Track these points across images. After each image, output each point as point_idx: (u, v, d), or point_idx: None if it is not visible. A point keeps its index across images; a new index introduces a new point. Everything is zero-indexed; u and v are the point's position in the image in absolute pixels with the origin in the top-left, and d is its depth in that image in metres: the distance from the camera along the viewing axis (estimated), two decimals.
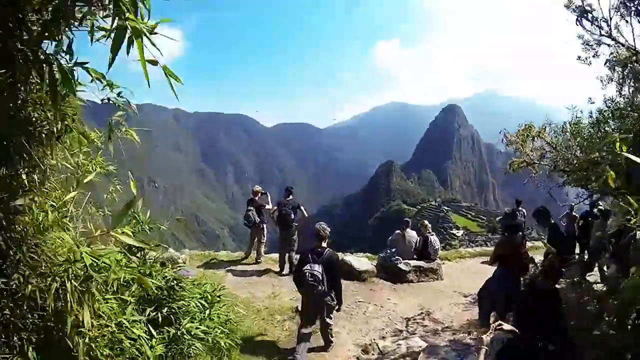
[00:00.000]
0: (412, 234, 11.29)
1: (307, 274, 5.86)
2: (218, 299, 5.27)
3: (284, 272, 10.50)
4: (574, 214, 12.62)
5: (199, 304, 4.68)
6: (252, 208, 10.98)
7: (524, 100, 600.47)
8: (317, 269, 5.86)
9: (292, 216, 10.25)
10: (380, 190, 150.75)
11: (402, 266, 10.75)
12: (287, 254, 10.45)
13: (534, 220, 9.70)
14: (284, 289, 9.47)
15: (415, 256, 11.24)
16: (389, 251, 11.34)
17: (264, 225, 11.31)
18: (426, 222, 11.70)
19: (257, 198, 11.24)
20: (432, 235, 11.40)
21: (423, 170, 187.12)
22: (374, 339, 7.36)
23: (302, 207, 10.60)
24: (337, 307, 6.46)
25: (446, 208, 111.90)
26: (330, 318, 6.54)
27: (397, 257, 10.91)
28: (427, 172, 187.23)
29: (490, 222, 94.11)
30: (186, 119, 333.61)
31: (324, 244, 6.23)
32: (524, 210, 13.39)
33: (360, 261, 10.93)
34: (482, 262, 12.96)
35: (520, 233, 6.41)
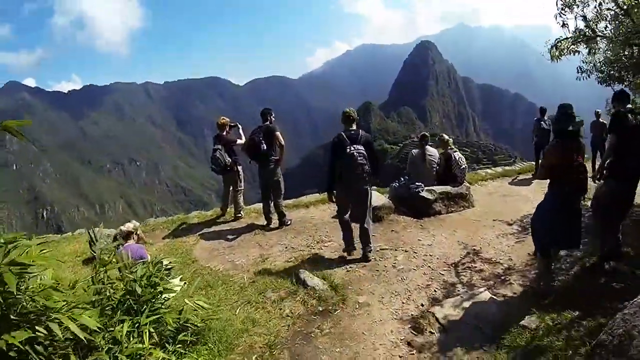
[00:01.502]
0: (433, 152, 8.88)
1: (354, 152, 5.57)
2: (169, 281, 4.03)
3: (271, 225, 8.06)
4: (601, 120, 11.43)
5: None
6: (219, 147, 8.30)
7: (494, 30, 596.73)
8: (361, 148, 5.63)
9: (267, 148, 7.51)
10: None
11: (426, 194, 8.25)
12: (272, 202, 8.02)
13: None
14: (275, 249, 6.99)
15: (436, 181, 8.92)
16: (403, 179, 8.90)
17: (239, 168, 8.66)
18: (446, 136, 9.08)
19: (224, 133, 8.59)
20: (455, 152, 8.90)
21: (401, 108, 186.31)
22: (423, 305, 4.91)
23: (278, 134, 7.61)
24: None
25: (430, 143, 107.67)
26: (369, 222, 6.22)
27: (417, 183, 8.33)
28: (405, 110, 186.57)
29: (473, 153, 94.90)
30: (157, 91, 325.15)
31: (354, 126, 5.87)
32: (549, 120, 11.76)
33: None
34: (511, 183, 11.45)
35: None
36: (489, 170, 12.84)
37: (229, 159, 8.20)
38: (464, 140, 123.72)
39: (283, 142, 7.64)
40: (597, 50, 8.36)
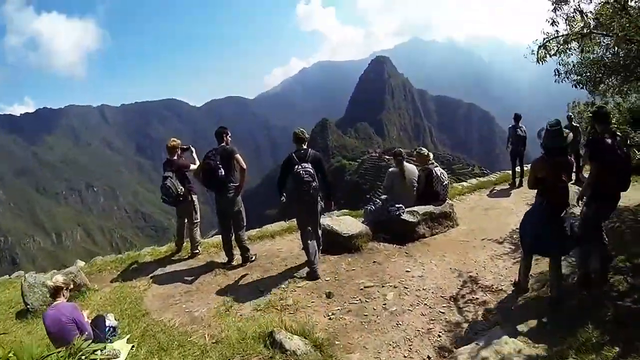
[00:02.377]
0: (412, 169, 7.96)
1: (301, 171, 5.76)
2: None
3: (234, 263, 6.99)
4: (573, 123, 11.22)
5: None
6: (170, 173, 7.16)
7: (446, 43, 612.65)
8: (308, 166, 5.82)
9: (225, 174, 6.45)
10: (318, 150, 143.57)
11: (407, 217, 7.34)
12: (232, 234, 6.93)
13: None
14: (240, 293, 5.90)
15: (416, 200, 8.04)
16: (378, 200, 8.03)
17: (194, 197, 7.59)
18: (425, 150, 8.21)
19: (175, 157, 7.46)
20: (436, 167, 8.03)
21: (358, 124, 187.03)
22: (430, 358, 4.12)
23: (238, 156, 6.58)
24: (332, 204, 6.48)
25: (387, 157, 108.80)
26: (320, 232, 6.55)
27: (396, 205, 7.43)
28: (362, 125, 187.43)
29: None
30: (114, 114, 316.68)
31: (305, 146, 6.12)
32: (524, 127, 11.53)
33: (344, 222, 7.38)
34: (490, 195, 10.89)
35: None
36: (464, 183, 12.16)
37: (181, 187, 7.09)
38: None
39: (244, 166, 6.55)
40: (590, 49, 7.77)
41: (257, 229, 8.75)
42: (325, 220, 7.21)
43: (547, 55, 8.13)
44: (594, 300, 4.58)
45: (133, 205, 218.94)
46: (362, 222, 7.62)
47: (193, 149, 7.70)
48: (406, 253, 6.76)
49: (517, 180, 11.48)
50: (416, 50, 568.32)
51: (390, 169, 8.04)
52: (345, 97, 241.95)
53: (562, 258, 5.01)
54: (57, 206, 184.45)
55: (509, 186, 11.54)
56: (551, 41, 7.86)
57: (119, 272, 7.33)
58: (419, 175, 7.89)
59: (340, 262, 6.49)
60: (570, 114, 11.77)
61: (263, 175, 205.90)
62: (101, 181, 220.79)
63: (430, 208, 7.61)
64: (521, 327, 4.35)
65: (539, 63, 8.28)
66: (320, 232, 6.52)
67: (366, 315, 4.89)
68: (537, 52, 8.03)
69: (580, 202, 5.27)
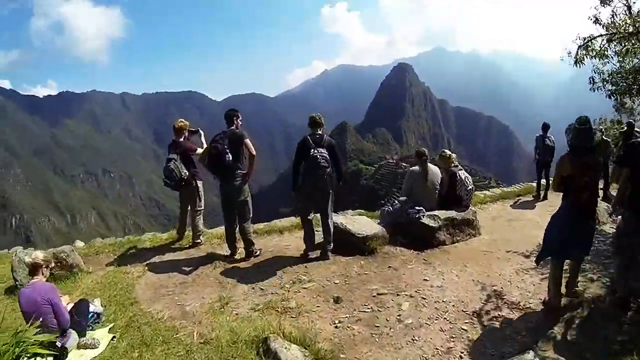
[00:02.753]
0: (435, 170, 7.32)
1: (317, 155, 5.73)
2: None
3: (236, 256, 6.46)
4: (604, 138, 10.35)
5: None
6: (174, 155, 6.67)
7: (469, 55, 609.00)
8: (324, 151, 5.80)
9: (232, 159, 5.90)
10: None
11: (428, 221, 6.75)
12: (237, 226, 6.36)
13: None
14: (238, 290, 5.39)
15: (437, 204, 7.41)
16: (396, 202, 7.43)
17: (198, 183, 7.06)
18: (448, 152, 7.59)
19: (182, 139, 6.98)
20: (460, 170, 7.42)
21: (377, 129, 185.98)
22: None
23: (247, 141, 6.05)
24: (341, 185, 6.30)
25: (404, 164, 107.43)
26: (332, 220, 6.35)
27: (416, 207, 6.85)
28: (381, 131, 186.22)
29: None
30: (135, 103, 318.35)
31: (320, 131, 6.02)
32: (552, 137, 10.81)
33: (358, 221, 6.83)
34: (513, 206, 10.26)
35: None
36: (487, 192, 11.47)
37: (185, 171, 6.60)
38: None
39: (254, 152, 6.02)
40: (636, 51, 7.15)
41: (265, 223, 8.20)
42: (339, 219, 6.68)
43: (586, 57, 7.54)
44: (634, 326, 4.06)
45: (148, 193, 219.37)
46: (378, 224, 7.06)
47: (202, 132, 7.21)
48: (424, 260, 6.17)
49: (542, 193, 10.86)
50: (439, 59, 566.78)
51: (411, 169, 7.40)
52: (366, 102, 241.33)
53: (596, 277, 4.98)
54: (73, 188, 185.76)
55: (533, 198, 10.91)
56: (593, 41, 7.23)
57: (115, 256, 6.89)
58: (442, 178, 7.29)
59: (352, 264, 5.93)
60: (602, 127, 11.23)
61: (278, 173, 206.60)
62: (118, 167, 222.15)
63: (452, 213, 7.01)
64: (553, 353, 3.74)
65: (576, 65, 7.75)
66: (331, 222, 6.33)
67: (378, 326, 4.32)
68: (577, 52, 7.43)
69: (613, 215, 5.15)
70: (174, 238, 7.52)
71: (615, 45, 7.32)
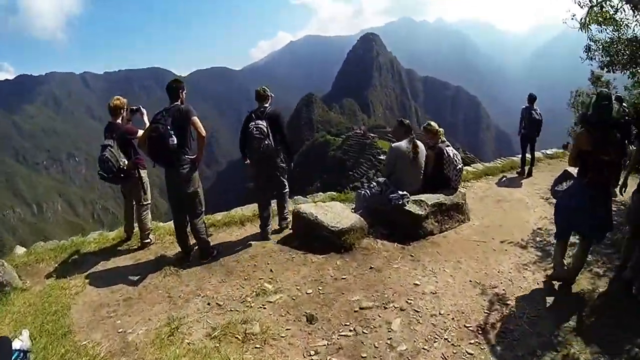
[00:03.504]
0: (423, 148, 6.27)
1: (252, 128, 5.48)
2: None
3: (189, 260, 5.43)
4: None
5: None
6: (110, 142, 5.59)
7: (437, 24, 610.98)
8: (262, 123, 5.51)
9: (178, 143, 4.82)
10: (303, 124, 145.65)
11: (414, 208, 5.80)
12: (188, 222, 5.34)
13: None
14: (191, 307, 4.37)
15: (422, 185, 6.47)
16: (374, 183, 6.39)
17: (142, 173, 5.91)
18: (435, 124, 6.61)
19: (120, 120, 5.84)
20: (448, 146, 6.49)
21: (344, 100, 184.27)
22: None
23: (195, 119, 4.88)
24: (288, 167, 6.09)
25: (372, 135, 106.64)
26: (286, 192, 6.23)
27: (400, 192, 5.88)
28: (348, 101, 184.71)
29: None
30: (96, 82, 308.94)
31: (266, 104, 5.81)
32: (539, 109, 10.31)
33: (331, 210, 5.84)
34: (499, 184, 9.63)
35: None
36: (469, 168, 10.57)
37: (124, 159, 5.50)
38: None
39: (203, 132, 4.88)
40: None
41: (223, 213, 7.15)
42: (309, 208, 5.70)
43: (593, 22, 6.86)
44: None
45: None
46: (354, 211, 6.11)
47: (144, 111, 5.98)
48: (411, 256, 5.25)
49: (527, 169, 10.28)
50: (406, 29, 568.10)
51: (395, 145, 6.25)
52: (333, 73, 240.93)
53: (602, 271, 4.78)
54: (37, 177, 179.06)
55: (517, 175, 10.30)
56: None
57: (57, 264, 5.80)
58: (427, 155, 6.32)
59: (327, 265, 4.96)
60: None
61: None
62: (83, 151, 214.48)
63: (440, 197, 6.10)
64: None
65: (581, 30, 7.05)
66: (286, 197, 6.28)
67: (365, 357, 3.38)
68: (588, 14, 6.60)
69: (623, 189, 4.81)
70: (123, 237, 6.44)
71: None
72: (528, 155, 10.51)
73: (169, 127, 4.67)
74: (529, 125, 10.15)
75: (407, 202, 5.77)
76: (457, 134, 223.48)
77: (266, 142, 5.44)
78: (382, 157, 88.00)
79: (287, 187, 6.20)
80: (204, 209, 5.31)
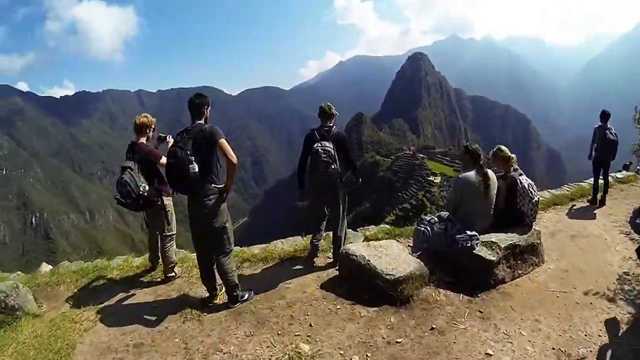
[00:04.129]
0: (494, 178, 5.26)
1: (318, 149, 5.05)
2: None
3: (216, 301, 4.69)
4: None
5: None
6: (130, 164, 4.92)
7: (485, 42, 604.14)
8: (329, 145, 5.08)
9: (202, 170, 4.07)
10: (352, 144, 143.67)
11: (484, 252, 4.84)
12: (214, 258, 4.53)
13: None
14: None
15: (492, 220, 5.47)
16: (434, 219, 5.37)
17: (165, 200, 5.24)
18: (506, 149, 5.63)
19: (144, 140, 5.23)
20: (521, 174, 5.52)
21: (394, 120, 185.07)
22: None
23: (223, 143, 4.08)
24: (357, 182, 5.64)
25: (421, 155, 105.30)
26: (344, 222, 5.56)
27: (467, 231, 4.93)
28: (397, 121, 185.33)
29: None
30: (150, 99, 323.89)
31: (330, 123, 5.38)
32: (613, 129, 9.02)
33: (386, 251, 4.90)
34: (569, 216, 8.29)
35: None
36: None
37: (145, 184, 4.83)
38: (456, 152, 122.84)
39: (234, 158, 4.07)
40: None
41: (262, 246, 6.37)
42: (360, 249, 4.81)
43: None
44: None
45: None
46: (412, 251, 5.20)
47: (170, 140, 5.20)
48: (480, 312, 4.29)
49: (599, 197, 9.02)
50: (454, 48, 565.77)
51: (464, 176, 5.21)
52: (381, 93, 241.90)
53: None
54: (91, 186, 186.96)
55: (588, 203, 9.04)
56: None
57: (76, 289, 5.39)
58: (498, 186, 5.35)
59: (378, 323, 4.08)
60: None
61: (295, 167, 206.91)
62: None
63: (514, 238, 5.10)
64: None
65: None
66: (343, 229, 5.59)
67: None
68: None
69: None
70: (147, 266, 5.84)
71: None
72: (600, 181, 9.30)
73: (189, 152, 3.93)
74: (602, 147, 9.00)
75: (477, 244, 4.82)
76: None
77: (333, 167, 5.04)
78: (431, 177, 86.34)
79: (344, 217, 5.57)
80: (232, 247, 4.51)
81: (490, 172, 5.14)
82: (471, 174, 5.04)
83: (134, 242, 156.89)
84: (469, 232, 4.82)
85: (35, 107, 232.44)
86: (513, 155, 5.57)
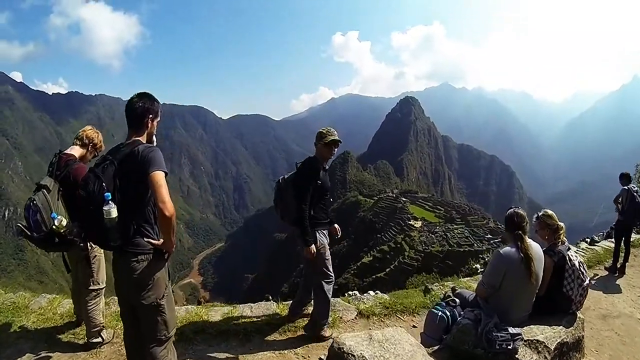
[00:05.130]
0: (539, 254, 3.87)
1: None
2: None
3: None
4: None
5: None
6: (48, 183, 3.53)
7: (476, 92, 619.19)
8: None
9: (114, 208, 2.53)
10: (336, 182, 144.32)
11: (529, 356, 3.47)
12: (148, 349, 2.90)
13: None
14: None
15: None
16: (456, 301, 4.20)
17: (91, 244, 3.83)
18: (554, 214, 4.33)
19: (75, 154, 4.02)
20: (569, 249, 4.25)
21: (379, 161, 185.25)
22: None
23: (156, 176, 2.57)
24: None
25: (403, 199, 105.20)
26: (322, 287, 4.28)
27: (512, 329, 3.48)
28: (383, 163, 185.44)
29: (447, 212, 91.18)
30: None
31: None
32: (638, 188, 8.18)
33: (394, 349, 3.28)
34: (592, 286, 6.53)
35: None
36: None
37: (63, 218, 3.36)
38: (439, 199, 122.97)
39: (169, 207, 2.54)
40: None
41: (226, 310, 4.93)
42: (358, 345, 3.25)
43: None
44: None
45: None
46: (423, 341, 3.83)
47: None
48: None
49: (620, 264, 8.10)
50: (445, 95, 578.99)
51: (503, 251, 3.78)
52: (370, 133, 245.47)
53: None
54: None
55: (607, 272, 8.09)
56: None
57: None
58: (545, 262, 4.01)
59: None
60: None
61: None
62: None
63: (561, 333, 3.78)
64: None
65: None
66: (320, 300, 4.28)
67: None
68: None
69: None
70: (72, 319, 4.50)
71: None
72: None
73: (104, 185, 2.54)
74: (630, 211, 8.07)
75: (519, 342, 3.47)
76: (488, 203, 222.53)
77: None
78: (412, 221, 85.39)
79: (322, 284, 4.28)
80: (171, 333, 2.93)
81: (536, 246, 3.82)
82: (511, 250, 3.72)
83: (107, 255, 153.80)
84: (511, 330, 3.45)
85: (26, 99, 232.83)
86: (562, 224, 4.29)
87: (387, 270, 61.86)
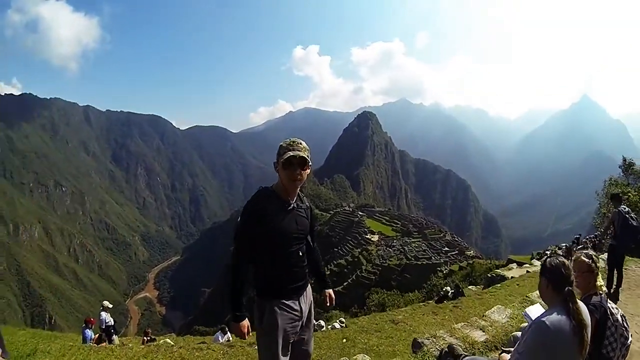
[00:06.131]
0: (587, 316, 2.80)
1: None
2: None
3: None
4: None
5: None
6: None
7: (433, 107, 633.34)
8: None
9: None
10: None
11: None
12: None
13: None
14: None
15: None
16: None
17: None
18: (592, 252, 3.35)
19: None
20: (607, 299, 3.24)
21: (336, 176, 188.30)
22: None
23: None
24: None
25: (360, 213, 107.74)
26: None
27: None
28: (340, 177, 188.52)
29: (404, 226, 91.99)
30: (98, 117, 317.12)
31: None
32: (633, 213, 7.58)
33: None
34: None
35: None
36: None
37: None
38: (396, 213, 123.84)
39: None
40: None
41: None
42: None
43: None
44: None
45: (99, 214, 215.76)
46: None
47: None
48: None
49: (613, 290, 7.62)
50: (403, 111, 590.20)
51: (547, 322, 2.56)
52: (327, 147, 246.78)
53: None
54: (20, 197, 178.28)
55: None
56: None
57: None
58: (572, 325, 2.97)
59: None
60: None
61: (233, 211, 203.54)
62: (71, 182, 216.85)
63: None
64: None
65: None
66: None
67: None
68: None
69: None
70: None
71: None
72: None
73: None
74: (624, 235, 7.50)
75: None
76: (444, 216, 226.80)
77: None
78: (368, 235, 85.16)
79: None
80: None
81: (583, 306, 2.80)
82: (562, 319, 2.68)
83: (57, 264, 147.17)
84: None
85: None
86: (596, 261, 3.33)
87: (345, 284, 61.38)
